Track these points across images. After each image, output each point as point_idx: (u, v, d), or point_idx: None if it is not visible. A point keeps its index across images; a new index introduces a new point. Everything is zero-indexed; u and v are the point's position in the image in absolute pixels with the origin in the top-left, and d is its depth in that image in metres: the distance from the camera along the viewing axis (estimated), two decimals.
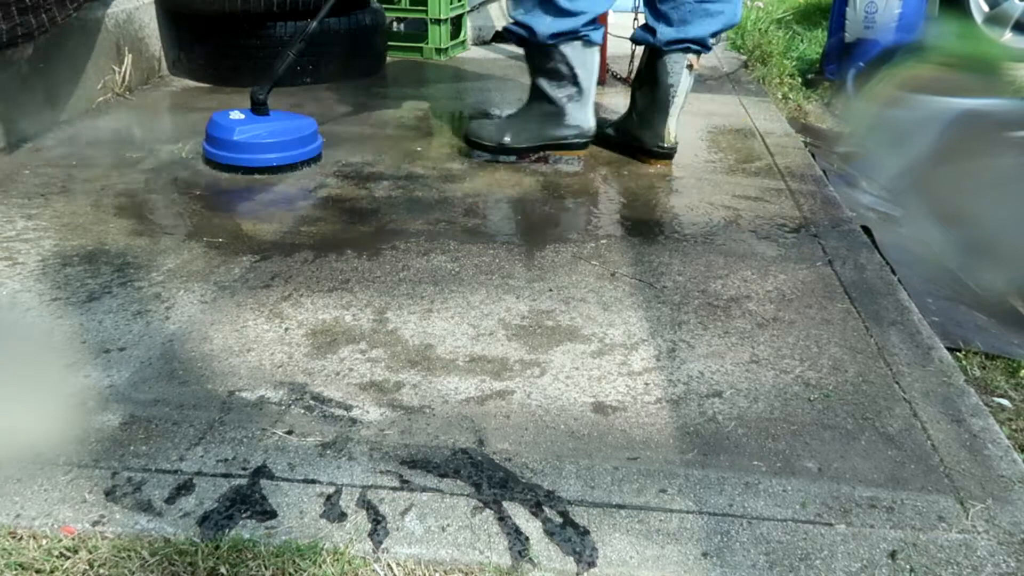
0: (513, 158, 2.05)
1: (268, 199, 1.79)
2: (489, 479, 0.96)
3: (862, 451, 1.03)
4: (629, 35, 2.12)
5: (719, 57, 3.56)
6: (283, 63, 2.00)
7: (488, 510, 0.91)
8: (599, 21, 1.94)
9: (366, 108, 2.56)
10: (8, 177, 1.86)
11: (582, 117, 2.02)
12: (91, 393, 1.09)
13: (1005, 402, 1.22)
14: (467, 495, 0.93)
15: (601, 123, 2.24)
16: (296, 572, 0.82)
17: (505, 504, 0.92)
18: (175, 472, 0.95)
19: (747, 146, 2.27)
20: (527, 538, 0.87)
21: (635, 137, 2.08)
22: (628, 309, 1.35)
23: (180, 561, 0.83)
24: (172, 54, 2.85)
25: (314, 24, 2.00)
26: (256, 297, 1.36)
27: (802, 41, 3.75)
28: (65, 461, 0.96)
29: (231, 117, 1.96)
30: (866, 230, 1.70)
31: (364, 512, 0.90)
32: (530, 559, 0.85)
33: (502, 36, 3.57)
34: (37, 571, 0.82)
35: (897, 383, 1.17)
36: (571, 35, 1.89)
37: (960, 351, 1.32)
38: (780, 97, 2.96)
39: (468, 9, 3.47)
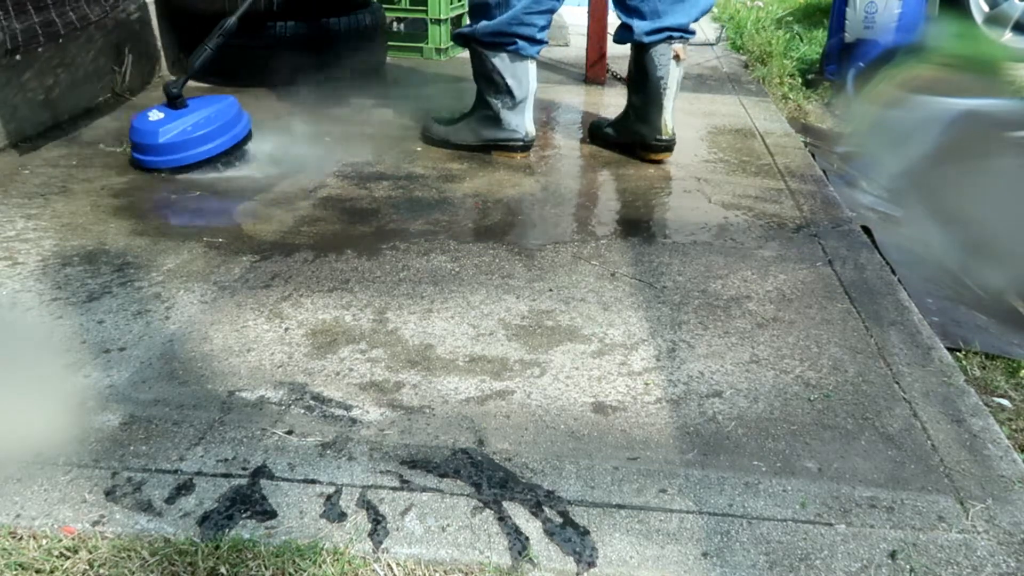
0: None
1: (268, 199, 1.79)
2: (489, 479, 0.96)
3: (862, 451, 1.03)
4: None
5: (719, 57, 3.56)
6: (199, 57, 1.94)
7: (488, 510, 0.91)
8: (536, 41, 1.97)
9: (366, 108, 2.56)
10: (8, 177, 1.86)
11: (518, 122, 2.08)
12: (91, 393, 1.09)
13: (1005, 402, 1.22)
14: (467, 495, 0.93)
15: (601, 123, 2.25)
16: (296, 572, 0.82)
17: (505, 504, 0.92)
18: (175, 472, 0.95)
19: (747, 146, 2.27)
20: (527, 538, 0.87)
21: (633, 133, 2.10)
22: (628, 309, 1.35)
23: (180, 561, 0.83)
24: (172, 54, 2.85)
25: (232, 20, 1.96)
26: (256, 297, 1.36)
27: (802, 41, 3.75)
28: (65, 461, 0.96)
29: (151, 119, 1.89)
30: (866, 230, 1.70)
31: (364, 512, 0.90)
32: (530, 559, 0.85)
33: None
34: (37, 571, 0.82)
35: (897, 383, 1.17)
36: (504, 43, 1.95)
37: (960, 351, 1.32)
38: (780, 97, 2.96)
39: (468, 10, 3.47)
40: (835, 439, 1.05)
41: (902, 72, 2.31)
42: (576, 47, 3.51)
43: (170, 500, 0.91)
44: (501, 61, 1.98)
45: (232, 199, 1.79)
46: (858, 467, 1.00)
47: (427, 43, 3.29)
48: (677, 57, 1.96)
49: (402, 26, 3.49)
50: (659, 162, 2.09)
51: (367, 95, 2.71)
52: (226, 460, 0.97)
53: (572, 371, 1.18)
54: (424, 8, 3.22)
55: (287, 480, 0.94)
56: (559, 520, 0.90)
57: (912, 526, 0.91)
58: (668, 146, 2.06)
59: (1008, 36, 3.50)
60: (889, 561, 0.86)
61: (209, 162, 1.91)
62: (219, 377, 1.14)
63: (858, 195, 1.99)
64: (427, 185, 1.90)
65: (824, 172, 2.08)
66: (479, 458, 0.99)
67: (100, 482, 0.93)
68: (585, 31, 2.98)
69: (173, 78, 2.27)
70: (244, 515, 0.89)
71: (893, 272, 1.52)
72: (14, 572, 0.82)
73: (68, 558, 0.83)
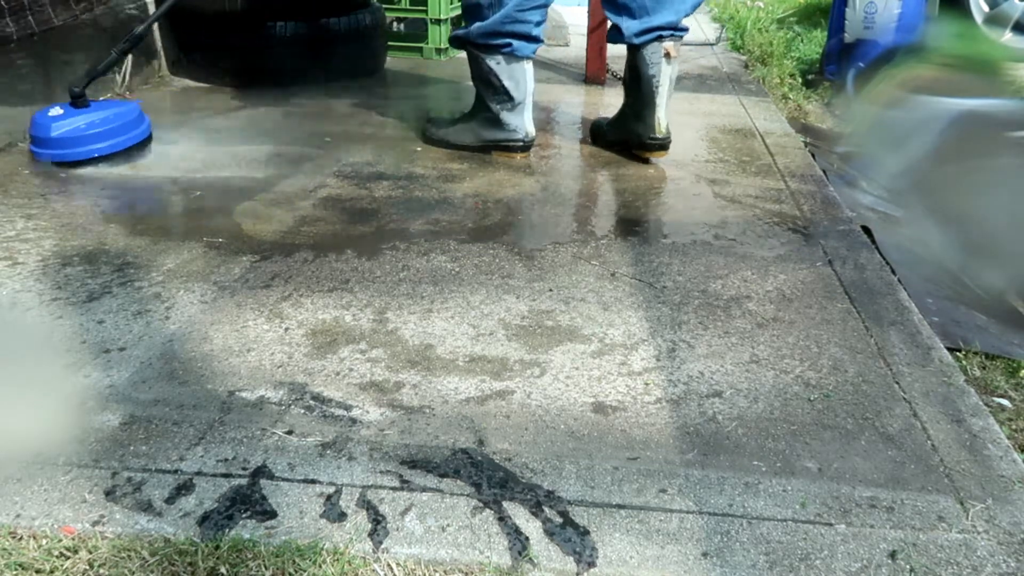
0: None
1: (268, 199, 1.79)
2: (489, 479, 0.96)
3: (862, 451, 1.03)
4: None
5: (719, 57, 3.56)
6: (106, 63, 2.01)
7: (488, 510, 0.91)
8: (532, 38, 1.97)
9: (366, 108, 2.56)
10: (8, 177, 1.86)
11: (518, 123, 2.08)
12: (91, 393, 1.09)
13: (1005, 402, 1.22)
14: (467, 495, 0.93)
15: (602, 123, 2.26)
16: (296, 572, 0.82)
17: (505, 504, 0.92)
18: (175, 472, 0.95)
19: (747, 146, 2.27)
20: (527, 538, 0.87)
21: (629, 131, 2.11)
22: (628, 309, 1.35)
23: (180, 561, 0.83)
24: (172, 54, 2.85)
25: (142, 28, 2.02)
26: (256, 297, 1.36)
27: (802, 41, 3.75)
28: (65, 461, 0.96)
29: (50, 114, 1.94)
30: (866, 230, 1.70)
31: (364, 512, 0.90)
32: (530, 559, 0.85)
33: None
34: (37, 571, 0.82)
35: (897, 383, 1.17)
36: (499, 44, 1.95)
37: (960, 351, 1.32)
38: (780, 97, 2.96)
39: None
40: (835, 439, 1.05)
41: (902, 72, 2.31)
42: (576, 47, 3.51)
43: (170, 500, 0.91)
44: (497, 64, 1.98)
45: (232, 199, 1.79)
46: (858, 467, 1.00)
47: (427, 43, 3.29)
48: (668, 55, 1.96)
49: (402, 26, 3.49)
50: (654, 160, 2.10)
51: (367, 95, 2.71)
52: (226, 460, 0.97)
53: (572, 371, 1.18)
54: (424, 8, 3.22)
55: (287, 480, 0.94)
56: (559, 520, 0.90)
57: (912, 526, 0.91)
58: (663, 144, 2.07)
59: (1008, 36, 3.50)
60: (889, 561, 0.86)
61: (106, 159, 1.95)
62: (219, 377, 1.14)
63: (858, 195, 1.99)
64: (427, 185, 1.90)
65: (824, 172, 2.08)
66: (479, 458, 0.99)
67: (100, 482, 0.93)
68: (585, 31, 2.98)
69: (173, 78, 2.27)
70: (244, 515, 0.89)
71: (893, 272, 1.52)
72: (14, 572, 0.82)
73: (68, 558, 0.83)
